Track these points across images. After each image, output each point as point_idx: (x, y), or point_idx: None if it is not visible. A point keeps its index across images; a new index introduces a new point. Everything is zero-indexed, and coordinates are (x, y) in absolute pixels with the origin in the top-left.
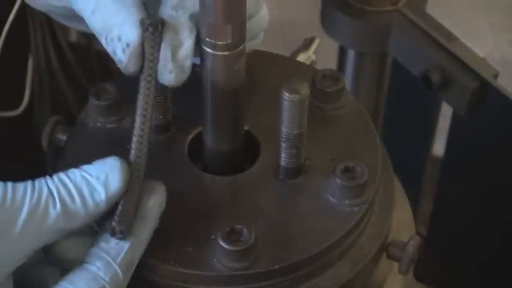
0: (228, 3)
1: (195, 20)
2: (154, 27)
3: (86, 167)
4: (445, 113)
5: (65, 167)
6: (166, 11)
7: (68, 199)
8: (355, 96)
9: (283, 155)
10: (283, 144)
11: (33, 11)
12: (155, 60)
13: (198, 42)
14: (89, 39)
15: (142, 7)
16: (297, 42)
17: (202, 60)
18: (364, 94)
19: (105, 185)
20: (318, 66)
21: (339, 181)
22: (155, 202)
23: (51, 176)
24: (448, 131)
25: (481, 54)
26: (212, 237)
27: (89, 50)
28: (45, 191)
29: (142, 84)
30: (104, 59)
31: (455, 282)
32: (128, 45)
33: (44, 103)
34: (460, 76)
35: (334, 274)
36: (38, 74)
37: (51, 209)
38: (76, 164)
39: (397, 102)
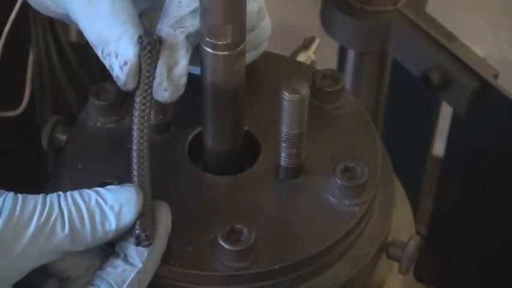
0: (228, 3)
1: (192, 40)
2: (152, 45)
3: (102, 191)
4: (445, 113)
5: (65, 167)
6: (164, 29)
7: (77, 223)
8: (355, 96)
9: (283, 155)
10: (283, 144)
11: (34, 10)
12: (151, 77)
13: (195, 51)
14: None
15: (138, 22)
16: (297, 42)
17: (202, 60)
18: (364, 94)
19: (118, 217)
20: (318, 66)
21: (339, 181)
22: (164, 229)
23: (65, 192)
24: (448, 131)
25: (481, 54)
26: (212, 237)
27: (89, 49)
28: (55, 210)
29: (138, 100)
30: None
31: (455, 282)
32: (125, 63)
33: (45, 102)
34: (460, 76)
35: (334, 274)
36: (39, 73)
37: (58, 230)
38: (76, 164)
39: (397, 102)
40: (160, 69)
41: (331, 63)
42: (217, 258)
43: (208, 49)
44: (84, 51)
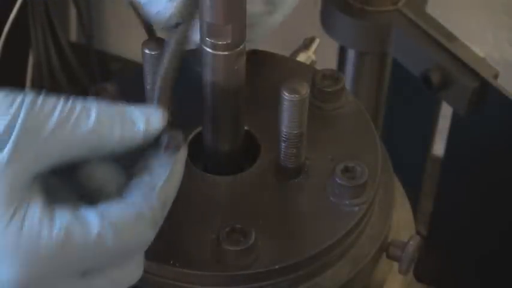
0: (228, 3)
1: None
2: None
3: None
4: (445, 113)
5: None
6: None
7: (105, 117)
8: (355, 96)
9: (283, 155)
10: (283, 144)
11: (34, 10)
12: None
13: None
14: (89, 39)
15: None
16: (297, 42)
17: (203, 60)
18: (364, 94)
19: (147, 121)
20: (318, 66)
21: (339, 181)
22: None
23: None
24: (448, 131)
25: (481, 54)
26: (212, 237)
27: (89, 49)
28: (80, 103)
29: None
30: (104, 59)
31: (455, 282)
32: None
33: None
34: (460, 76)
35: (334, 274)
36: (39, 74)
37: (84, 121)
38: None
39: (397, 102)
40: None
41: (331, 63)
42: (217, 258)
43: (208, 49)
44: (84, 51)
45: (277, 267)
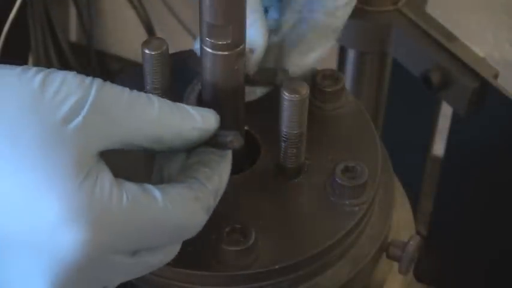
0: (228, 3)
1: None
2: None
3: None
4: (445, 113)
5: None
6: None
7: (167, 110)
8: (355, 96)
9: (283, 155)
10: (283, 144)
11: (34, 10)
12: None
13: None
14: (89, 39)
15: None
16: None
17: (202, 60)
18: (364, 94)
19: (203, 119)
20: (318, 66)
21: (339, 181)
22: None
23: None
24: (448, 131)
25: (481, 54)
26: (212, 237)
27: (89, 50)
28: (143, 94)
29: None
30: (104, 59)
31: (455, 282)
32: (251, 50)
33: None
34: (460, 76)
35: (334, 274)
36: None
37: (149, 107)
38: None
39: (397, 102)
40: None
41: (331, 63)
42: (217, 258)
43: (208, 49)
44: (83, 51)
45: (277, 267)
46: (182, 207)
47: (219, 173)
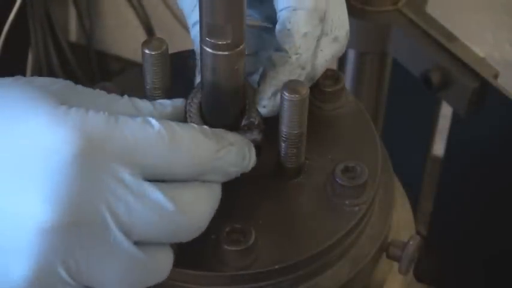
0: (228, 3)
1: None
2: None
3: None
4: (445, 113)
5: None
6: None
7: (134, 98)
8: (355, 96)
9: (283, 155)
10: (283, 144)
11: (34, 10)
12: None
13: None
14: (89, 39)
15: None
16: None
17: (203, 60)
18: (364, 94)
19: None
20: None
21: (339, 181)
22: None
23: None
24: (448, 131)
25: (481, 54)
26: (212, 237)
27: (88, 50)
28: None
29: None
30: (104, 59)
31: (455, 282)
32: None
33: None
34: (460, 76)
35: (334, 274)
36: (38, 73)
37: (118, 97)
38: None
39: (397, 102)
40: (267, 88)
41: (331, 63)
42: (217, 258)
43: (208, 49)
44: (83, 51)
45: (277, 267)
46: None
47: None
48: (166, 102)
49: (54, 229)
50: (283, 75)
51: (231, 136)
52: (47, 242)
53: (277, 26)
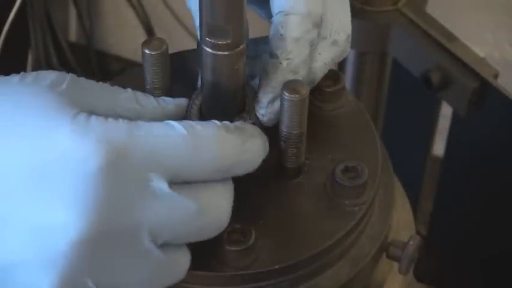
0: (228, 3)
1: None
2: None
3: None
4: (445, 113)
5: None
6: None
7: (138, 92)
8: (355, 96)
9: (283, 155)
10: (283, 144)
11: (33, 10)
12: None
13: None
14: (89, 39)
15: None
16: None
17: (203, 60)
18: (364, 94)
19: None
20: None
21: (339, 181)
22: None
23: None
24: (448, 131)
25: (481, 54)
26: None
27: (88, 50)
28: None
29: None
30: (104, 59)
31: (455, 282)
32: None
33: None
34: (460, 76)
35: (334, 274)
36: None
37: (122, 90)
38: None
39: (397, 102)
40: (261, 96)
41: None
42: (217, 258)
43: (208, 49)
44: (83, 51)
45: (277, 267)
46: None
47: None
48: (169, 100)
49: (84, 240)
50: (275, 82)
51: (250, 127)
52: (76, 254)
53: (271, 31)
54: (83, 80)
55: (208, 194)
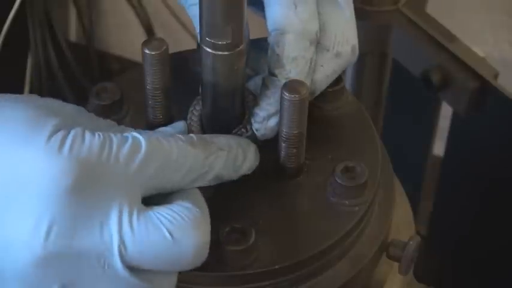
0: (228, 3)
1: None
2: None
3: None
4: (445, 113)
5: None
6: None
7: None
8: (355, 96)
9: (283, 155)
10: (283, 144)
11: (33, 10)
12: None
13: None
14: (89, 39)
15: None
16: None
17: (203, 60)
18: (364, 94)
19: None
20: None
21: (339, 181)
22: None
23: None
24: (448, 131)
25: (481, 54)
26: (212, 237)
27: (88, 50)
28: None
29: None
30: (104, 59)
31: (455, 282)
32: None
33: None
34: (460, 76)
35: (334, 274)
36: (38, 74)
37: (128, 130)
38: None
39: (397, 102)
40: (258, 111)
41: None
42: (217, 258)
43: (208, 49)
44: (84, 51)
45: (277, 267)
46: None
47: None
48: (169, 132)
49: (48, 259)
50: (274, 100)
51: (223, 140)
52: (41, 272)
53: (269, 50)
54: (90, 114)
55: (179, 220)
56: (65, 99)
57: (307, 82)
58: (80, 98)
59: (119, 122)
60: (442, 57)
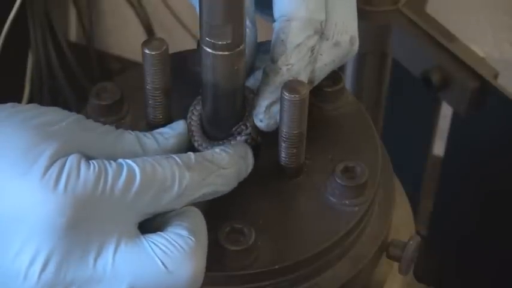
0: (228, 3)
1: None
2: None
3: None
4: (445, 113)
5: None
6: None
7: (141, 134)
8: (355, 96)
9: (283, 155)
10: (283, 144)
11: (33, 10)
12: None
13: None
14: (89, 39)
15: None
16: None
17: (203, 60)
18: (364, 94)
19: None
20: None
21: (339, 181)
22: None
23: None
24: (448, 131)
25: (481, 54)
26: (212, 237)
27: (88, 50)
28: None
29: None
30: (104, 59)
31: (455, 282)
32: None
33: (44, 103)
34: (460, 76)
35: (334, 274)
36: (38, 74)
37: (126, 133)
38: None
39: (397, 102)
40: (260, 101)
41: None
42: (217, 258)
43: (208, 49)
44: (84, 51)
45: (277, 267)
46: None
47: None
48: (169, 133)
49: None
50: (274, 87)
51: (226, 158)
52: None
53: (273, 36)
54: (88, 122)
55: (176, 253)
56: (65, 99)
57: (308, 71)
58: (80, 98)
59: (119, 122)
60: (442, 57)
